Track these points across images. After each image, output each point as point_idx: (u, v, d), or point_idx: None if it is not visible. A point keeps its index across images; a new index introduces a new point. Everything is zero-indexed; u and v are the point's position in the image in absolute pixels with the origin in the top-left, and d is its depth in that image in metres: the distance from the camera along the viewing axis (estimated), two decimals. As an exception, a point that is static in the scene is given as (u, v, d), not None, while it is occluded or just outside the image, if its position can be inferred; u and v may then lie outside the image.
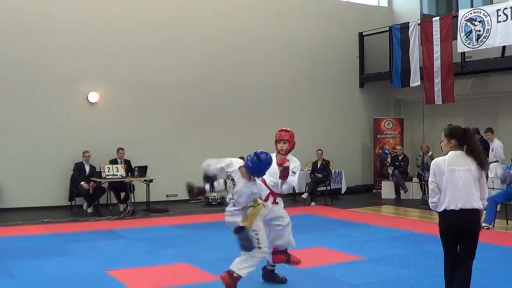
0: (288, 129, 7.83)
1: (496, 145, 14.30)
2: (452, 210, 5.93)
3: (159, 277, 8.05)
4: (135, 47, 16.13)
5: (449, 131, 6.16)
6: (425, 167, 16.81)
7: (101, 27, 15.74)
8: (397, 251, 9.82)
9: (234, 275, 6.81)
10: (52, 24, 15.21)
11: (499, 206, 12.31)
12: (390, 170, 17.49)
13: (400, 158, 17.55)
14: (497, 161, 13.96)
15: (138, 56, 16.17)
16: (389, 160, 17.88)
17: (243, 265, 6.84)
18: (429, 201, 6.22)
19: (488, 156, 14.75)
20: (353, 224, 12.87)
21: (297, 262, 7.72)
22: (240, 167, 6.93)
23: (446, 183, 5.96)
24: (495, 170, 13.95)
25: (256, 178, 6.98)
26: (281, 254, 7.61)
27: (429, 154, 16.88)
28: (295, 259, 7.70)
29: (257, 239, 6.93)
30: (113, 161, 14.99)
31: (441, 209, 6.03)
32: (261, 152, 6.89)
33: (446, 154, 6.12)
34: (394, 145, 18.67)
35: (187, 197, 16.20)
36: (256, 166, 6.81)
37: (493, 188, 13.19)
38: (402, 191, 17.03)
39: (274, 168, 7.31)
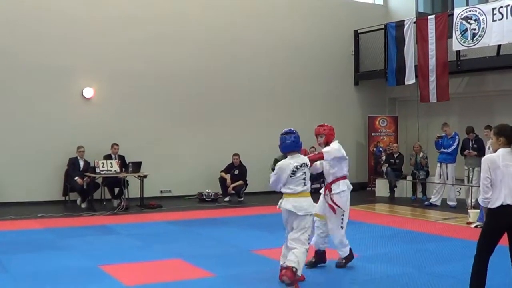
0: (324, 124, 8.57)
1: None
2: (507, 205, 6.00)
3: (152, 272, 8.03)
4: (129, 42, 16.09)
5: (498, 130, 6.30)
6: (419, 167, 16.81)
7: (96, 21, 15.71)
8: (390, 249, 9.83)
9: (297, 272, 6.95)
10: (48, 19, 15.19)
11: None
12: (384, 168, 17.49)
13: (395, 156, 17.54)
14: None
15: (132, 51, 16.12)
16: (383, 158, 17.87)
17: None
18: (482, 197, 6.19)
19: (484, 154, 14.78)
20: (348, 221, 12.84)
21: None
22: None
23: (501, 178, 6.03)
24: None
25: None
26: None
27: (421, 155, 16.87)
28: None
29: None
30: (108, 157, 14.96)
31: (495, 205, 6.07)
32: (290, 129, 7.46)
33: (495, 151, 6.25)
34: (389, 143, 18.67)
35: (180, 193, 16.43)
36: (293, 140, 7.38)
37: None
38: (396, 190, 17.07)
39: None
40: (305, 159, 7.36)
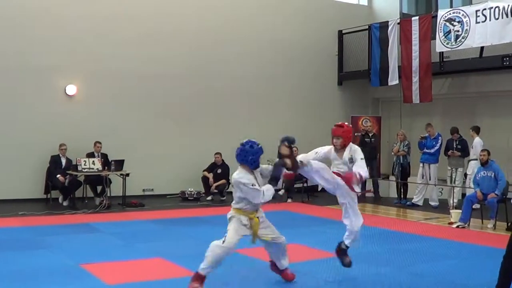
0: (343, 123, 8.10)
1: (475, 142, 14.40)
2: None
3: (133, 271, 8.01)
4: (114, 40, 16.03)
5: None
6: (397, 161, 16.15)
7: (80, 19, 15.61)
8: (372, 248, 9.83)
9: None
10: (32, 16, 15.08)
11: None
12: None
13: (370, 135, 17.37)
14: (477, 159, 13.73)
15: (117, 49, 16.05)
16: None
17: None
18: None
19: (468, 155, 14.85)
20: (329, 221, 12.83)
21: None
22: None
23: None
24: (472, 168, 14.05)
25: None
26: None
27: (406, 143, 16.08)
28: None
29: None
30: (90, 155, 14.91)
31: None
32: (247, 141, 7.16)
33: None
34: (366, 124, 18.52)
35: (163, 192, 16.39)
36: (238, 153, 7.10)
37: (470, 187, 13.33)
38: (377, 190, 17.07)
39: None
40: None
